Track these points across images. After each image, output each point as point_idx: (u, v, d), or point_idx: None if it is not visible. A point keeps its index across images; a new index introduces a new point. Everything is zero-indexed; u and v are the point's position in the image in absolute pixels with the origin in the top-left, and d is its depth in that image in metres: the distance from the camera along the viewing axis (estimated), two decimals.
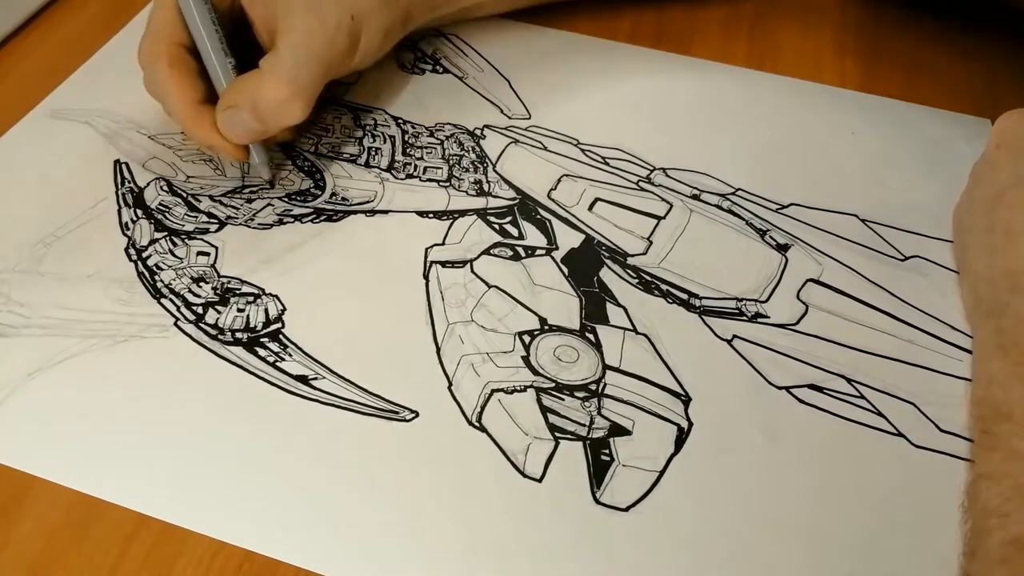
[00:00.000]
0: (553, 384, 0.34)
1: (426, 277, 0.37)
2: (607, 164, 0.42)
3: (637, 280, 0.38)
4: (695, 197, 0.40)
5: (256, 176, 0.41)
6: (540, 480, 0.31)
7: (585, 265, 0.38)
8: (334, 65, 0.38)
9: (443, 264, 0.38)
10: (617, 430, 0.33)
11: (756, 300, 0.37)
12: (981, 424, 0.31)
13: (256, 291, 0.37)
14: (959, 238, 0.38)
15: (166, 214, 0.39)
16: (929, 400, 0.34)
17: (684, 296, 0.37)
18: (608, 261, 0.38)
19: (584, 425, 0.33)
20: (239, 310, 0.36)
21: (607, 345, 0.35)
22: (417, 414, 0.33)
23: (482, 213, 0.40)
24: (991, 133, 0.38)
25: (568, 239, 0.39)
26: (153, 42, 0.38)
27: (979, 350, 0.34)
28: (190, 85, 0.37)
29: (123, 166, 0.41)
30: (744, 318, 0.36)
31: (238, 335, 0.35)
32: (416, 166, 0.42)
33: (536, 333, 0.36)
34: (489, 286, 0.37)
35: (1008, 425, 0.30)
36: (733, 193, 0.41)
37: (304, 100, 0.37)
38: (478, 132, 0.44)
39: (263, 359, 0.34)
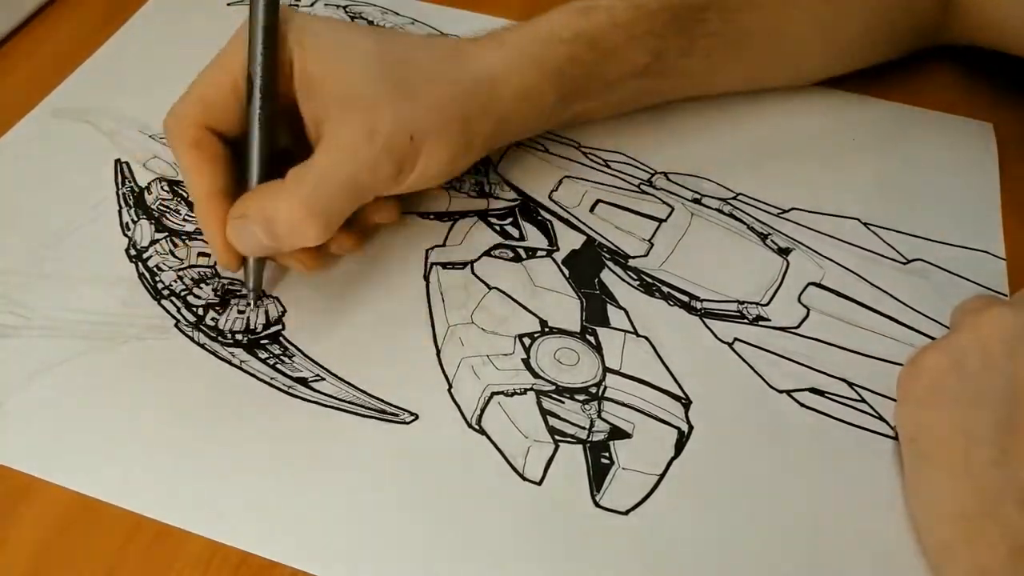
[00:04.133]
0: (553, 387, 0.34)
1: (426, 279, 0.37)
2: (608, 167, 0.42)
3: (638, 282, 0.38)
4: (696, 201, 0.40)
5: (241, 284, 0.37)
6: (540, 483, 0.31)
7: (586, 267, 0.38)
8: (372, 190, 0.33)
9: (444, 266, 0.38)
10: (617, 433, 0.33)
11: (757, 303, 0.37)
12: None
13: None
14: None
15: (166, 214, 0.39)
16: None
17: (685, 299, 0.37)
18: (609, 263, 0.38)
19: (584, 428, 0.33)
20: (239, 311, 0.36)
21: (608, 347, 0.35)
22: (417, 416, 0.33)
23: (483, 214, 0.40)
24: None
25: (569, 240, 0.39)
26: (180, 118, 0.33)
27: None
28: (209, 172, 0.33)
29: (124, 165, 0.41)
30: (745, 321, 0.36)
31: (238, 337, 0.35)
32: None
33: (536, 335, 0.35)
34: (490, 288, 0.37)
35: None
36: (734, 198, 0.41)
37: (322, 226, 0.32)
38: None
39: (263, 361, 0.34)
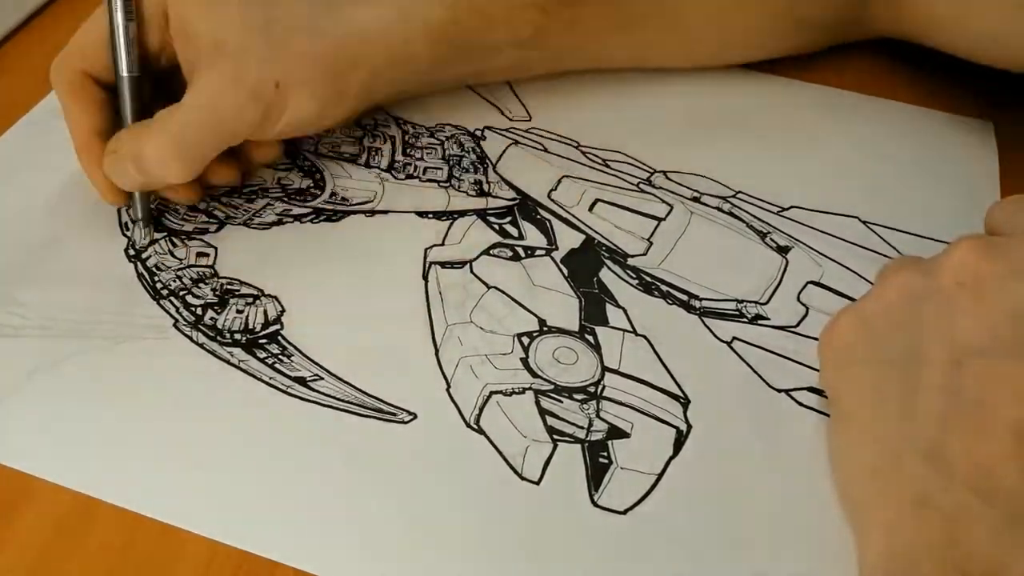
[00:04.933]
0: (552, 386, 0.34)
1: (425, 278, 0.37)
2: (607, 166, 0.42)
3: (637, 281, 0.38)
4: (695, 199, 0.40)
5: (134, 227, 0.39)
6: (538, 482, 0.31)
7: (585, 266, 0.38)
8: (237, 133, 0.35)
9: (442, 265, 0.38)
10: (616, 432, 0.33)
11: (756, 302, 0.37)
12: None
13: (255, 292, 0.37)
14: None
15: (165, 214, 0.39)
16: None
17: (684, 297, 0.37)
18: (608, 262, 0.38)
19: (582, 427, 0.33)
20: (238, 311, 0.36)
21: (606, 347, 0.35)
22: (415, 416, 0.33)
23: (482, 213, 0.40)
24: None
25: (568, 239, 0.39)
26: (59, 64, 0.37)
27: None
28: (86, 113, 0.36)
29: None
30: (744, 320, 0.36)
31: (237, 336, 0.35)
32: (416, 166, 0.42)
33: (535, 334, 0.35)
34: (488, 287, 0.37)
35: None
36: (733, 196, 0.41)
37: (187, 164, 0.34)
38: (478, 133, 0.43)
39: (262, 360, 0.34)
